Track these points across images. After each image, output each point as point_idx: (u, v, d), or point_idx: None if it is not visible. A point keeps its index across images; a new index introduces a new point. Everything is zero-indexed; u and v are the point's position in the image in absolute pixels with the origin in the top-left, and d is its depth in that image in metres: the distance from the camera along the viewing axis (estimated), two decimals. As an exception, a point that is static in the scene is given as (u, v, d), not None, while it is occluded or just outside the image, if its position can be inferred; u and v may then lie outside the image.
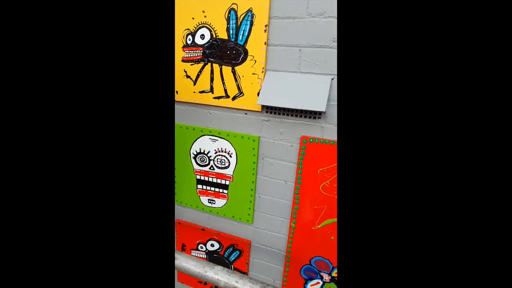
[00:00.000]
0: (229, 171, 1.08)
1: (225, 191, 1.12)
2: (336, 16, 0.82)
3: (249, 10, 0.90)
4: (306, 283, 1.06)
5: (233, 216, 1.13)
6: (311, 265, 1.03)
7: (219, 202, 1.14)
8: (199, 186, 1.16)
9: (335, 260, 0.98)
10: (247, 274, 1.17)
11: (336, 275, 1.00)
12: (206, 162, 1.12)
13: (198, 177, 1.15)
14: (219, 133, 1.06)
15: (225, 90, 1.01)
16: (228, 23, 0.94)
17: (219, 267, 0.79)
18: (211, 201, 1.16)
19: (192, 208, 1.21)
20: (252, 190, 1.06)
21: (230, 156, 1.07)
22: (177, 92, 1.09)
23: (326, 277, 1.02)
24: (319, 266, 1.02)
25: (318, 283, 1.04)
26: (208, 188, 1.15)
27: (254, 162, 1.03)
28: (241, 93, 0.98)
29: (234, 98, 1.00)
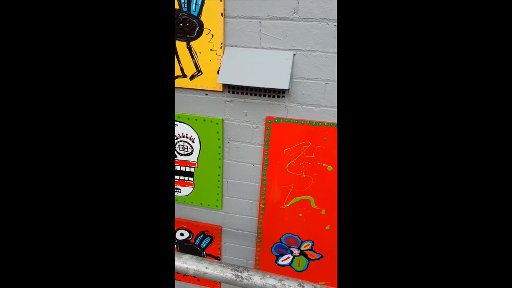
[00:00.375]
0: (193, 158, 1.02)
1: (191, 179, 1.06)
2: (296, -15, 0.76)
3: (201, -25, 0.79)
4: (277, 259, 1.10)
5: (201, 203, 1.09)
6: (281, 242, 1.06)
7: (185, 190, 1.09)
8: (162, 176, 1.08)
9: (304, 235, 1.02)
10: (220, 259, 1.17)
11: (304, 248, 1.05)
12: (167, 149, 1.03)
13: (159, 166, 1.07)
14: (179, 117, 0.98)
15: (182, 69, 0.91)
16: (178, -10, 0.82)
17: (187, 256, 0.76)
18: (177, 190, 1.10)
19: (156, 199, 1.14)
20: (219, 175, 1.03)
21: (193, 142, 1.00)
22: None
23: (296, 252, 1.06)
24: (289, 242, 1.05)
25: (288, 257, 1.08)
26: (172, 176, 1.08)
27: (219, 147, 0.98)
28: (199, 71, 0.90)
29: (192, 77, 0.91)
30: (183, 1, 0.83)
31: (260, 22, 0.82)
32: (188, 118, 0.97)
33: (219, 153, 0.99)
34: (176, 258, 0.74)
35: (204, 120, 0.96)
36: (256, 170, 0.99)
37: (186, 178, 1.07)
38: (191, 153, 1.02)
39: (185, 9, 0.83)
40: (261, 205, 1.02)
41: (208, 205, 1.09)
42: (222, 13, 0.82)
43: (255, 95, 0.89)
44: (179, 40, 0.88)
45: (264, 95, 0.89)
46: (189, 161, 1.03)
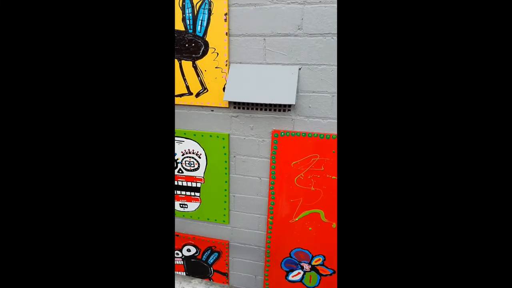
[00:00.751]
0: (199, 173, 1.02)
1: (197, 194, 1.05)
2: (299, 2, 0.78)
3: (206, -4, 0.81)
4: (287, 275, 1.07)
5: (208, 218, 1.08)
6: (291, 257, 1.04)
7: (192, 206, 1.08)
8: (169, 191, 1.08)
9: (314, 249, 1.00)
10: (227, 275, 1.15)
11: (315, 264, 1.02)
12: (173, 165, 1.03)
13: (166, 182, 1.06)
14: (185, 134, 0.98)
15: (187, 87, 0.92)
16: (184, 12, 0.84)
17: (196, 280, 0.74)
18: (183, 206, 1.09)
19: (163, 215, 1.13)
20: (225, 190, 1.02)
21: (199, 157, 1.00)
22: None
23: (307, 267, 1.04)
24: (299, 257, 1.03)
25: (299, 273, 1.06)
26: (179, 192, 1.07)
27: (225, 161, 0.98)
28: (205, 89, 0.91)
29: (198, 95, 0.92)
30: (188, 23, 0.85)
31: (264, 39, 0.83)
32: (195, 134, 0.97)
33: (225, 168, 0.99)
34: (185, 283, 0.73)
35: (210, 136, 0.96)
36: (263, 184, 0.98)
37: (192, 193, 1.06)
38: (198, 169, 1.01)
39: (190, 31, 0.85)
40: (269, 219, 1.01)
41: (215, 220, 1.07)
42: (226, 33, 0.83)
43: (261, 109, 0.90)
44: (185, 60, 0.89)
45: (270, 109, 0.89)
46: (195, 176, 1.03)
